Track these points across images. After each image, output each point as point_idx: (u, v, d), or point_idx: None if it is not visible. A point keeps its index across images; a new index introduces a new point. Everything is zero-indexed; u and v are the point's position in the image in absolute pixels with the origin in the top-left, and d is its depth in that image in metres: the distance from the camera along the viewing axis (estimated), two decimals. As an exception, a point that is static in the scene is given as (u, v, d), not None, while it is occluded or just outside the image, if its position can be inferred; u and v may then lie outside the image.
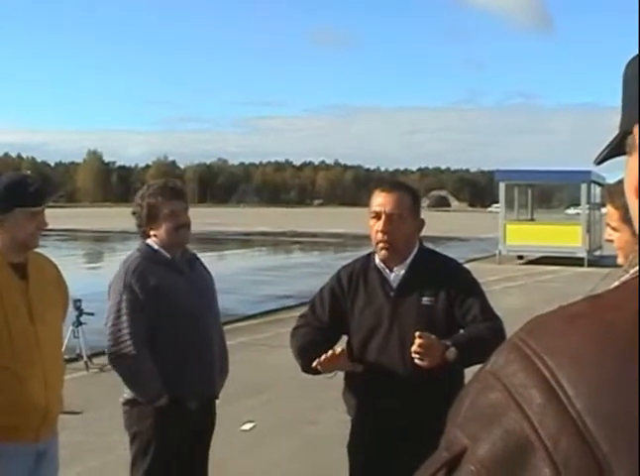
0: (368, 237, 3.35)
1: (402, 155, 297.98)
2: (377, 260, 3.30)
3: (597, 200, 25.19)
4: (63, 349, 4.06)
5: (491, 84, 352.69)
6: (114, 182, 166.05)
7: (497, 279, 17.27)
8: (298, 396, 7.49)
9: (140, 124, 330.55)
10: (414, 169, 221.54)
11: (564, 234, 23.22)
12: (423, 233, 3.38)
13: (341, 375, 3.44)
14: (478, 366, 0.76)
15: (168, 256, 3.70)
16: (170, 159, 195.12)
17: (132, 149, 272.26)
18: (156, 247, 3.70)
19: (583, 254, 22.43)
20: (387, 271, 3.28)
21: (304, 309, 3.56)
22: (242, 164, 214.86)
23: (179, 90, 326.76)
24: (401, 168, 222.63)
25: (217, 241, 36.68)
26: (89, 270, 21.75)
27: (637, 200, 0.75)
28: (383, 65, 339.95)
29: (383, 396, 3.19)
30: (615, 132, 0.81)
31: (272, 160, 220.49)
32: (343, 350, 3.16)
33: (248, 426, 6.71)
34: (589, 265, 21.57)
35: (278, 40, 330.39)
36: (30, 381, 3.09)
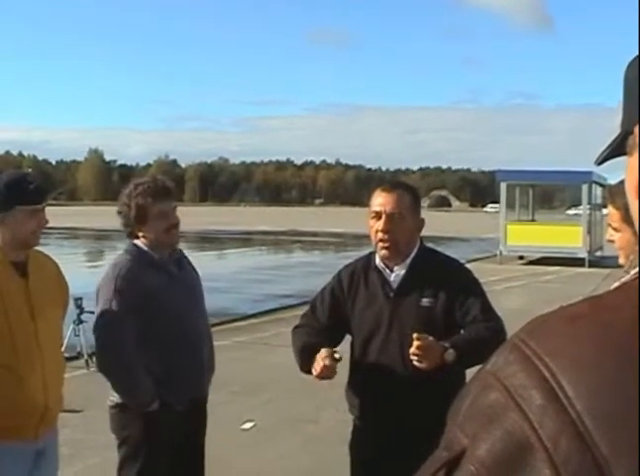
0: (368, 237, 3.35)
1: (403, 154, 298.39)
2: (378, 260, 3.30)
3: (599, 201, 25.17)
4: (64, 347, 4.06)
5: (492, 84, 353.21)
6: (115, 181, 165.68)
7: (498, 279, 17.26)
8: (299, 395, 7.49)
9: (141, 123, 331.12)
10: (415, 168, 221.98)
11: (565, 235, 23.21)
12: (423, 233, 3.38)
13: (343, 375, 3.44)
14: (479, 366, 0.76)
15: (157, 257, 3.60)
16: (171, 158, 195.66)
17: (133, 147, 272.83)
18: (145, 248, 3.59)
19: (583, 254, 22.42)
20: (388, 271, 3.28)
21: (305, 309, 3.56)
22: (243, 163, 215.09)
23: (180, 89, 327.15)
24: (402, 167, 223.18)
25: (218, 240, 36.69)
26: (90, 268, 21.75)
27: (637, 201, 0.75)
28: (384, 65, 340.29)
29: (384, 396, 3.19)
30: (616, 133, 0.81)
31: (274, 159, 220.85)
32: (333, 360, 3.09)
33: (248, 425, 6.71)
34: (590, 265, 21.55)
35: (279, 39, 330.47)
36: (29, 379, 3.09)
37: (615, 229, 2.76)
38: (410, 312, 3.19)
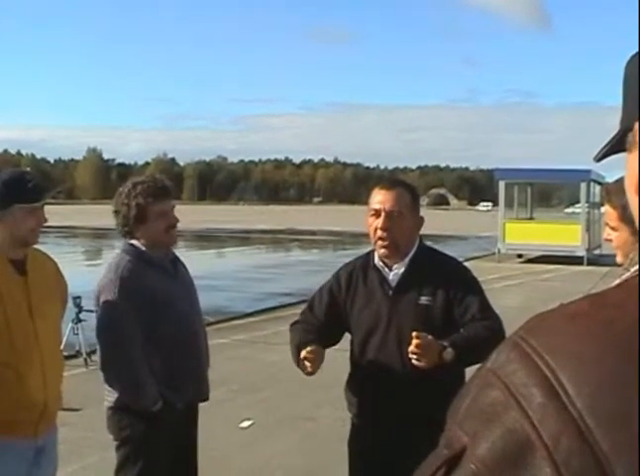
0: (366, 235, 3.35)
1: (402, 153, 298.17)
2: (377, 258, 3.29)
3: (597, 199, 25.18)
4: (63, 346, 4.05)
5: (490, 82, 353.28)
6: (113, 180, 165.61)
7: (497, 277, 17.27)
8: (297, 393, 7.49)
9: (139, 121, 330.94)
10: (414, 167, 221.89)
11: (563, 233, 23.22)
12: (422, 231, 3.38)
13: (341, 373, 3.44)
14: (477, 364, 0.76)
15: (155, 257, 3.58)
16: (170, 156, 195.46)
17: (131, 146, 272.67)
18: (143, 248, 3.56)
19: (582, 253, 22.44)
20: (387, 269, 3.28)
21: (303, 307, 3.56)
22: (241, 161, 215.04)
23: (178, 87, 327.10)
24: (401, 166, 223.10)
25: (216, 238, 36.68)
26: (89, 267, 21.74)
27: (637, 198, 0.75)
28: (382, 63, 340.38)
29: (382, 393, 3.19)
30: (614, 131, 0.81)
31: (272, 157, 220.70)
32: (317, 358, 3.10)
33: (246, 424, 6.72)
34: (589, 263, 21.58)
35: (278, 37, 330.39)
36: (28, 377, 3.09)
37: (613, 228, 2.76)
38: (409, 311, 3.19)
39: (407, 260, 3.27)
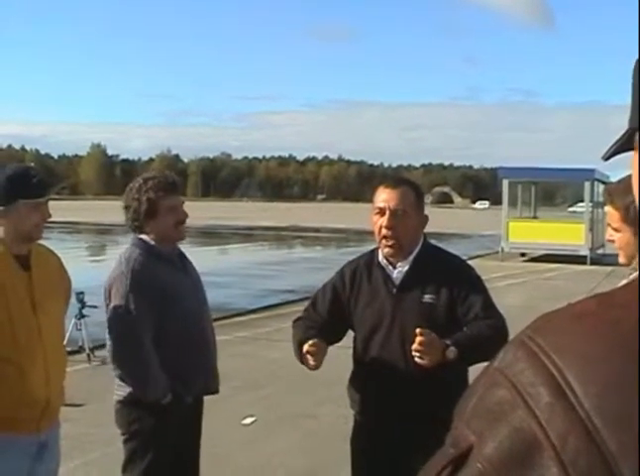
0: (370, 232, 3.35)
1: (406, 151, 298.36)
2: (381, 256, 3.29)
3: (601, 199, 25.13)
4: (66, 341, 4.06)
5: (492, 81, 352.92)
6: (117, 176, 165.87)
7: (500, 276, 17.26)
8: (299, 390, 7.50)
9: (141, 117, 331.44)
10: (417, 165, 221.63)
11: (567, 232, 23.22)
12: (426, 229, 3.38)
13: (343, 371, 3.44)
14: (480, 363, 0.75)
15: (164, 251, 3.61)
16: (174, 152, 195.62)
17: (135, 142, 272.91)
18: (152, 243, 3.60)
19: (585, 252, 22.43)
20: (391, 267, 3.28)
21: (306, 304, 3.56)
22: (245, 158, 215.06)
23: (182, 84, 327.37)
24: (405, 163, 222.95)
25: (220, 235, 36.72)
26: (92, 262, 21.77)
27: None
28: (384, 61, 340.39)
29: (385, 391, 3.19)
30: (617, 130, 0.81)
31: (276, 154, 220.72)
32: (319, 351, 3.10)
33: (249, 421, 6.72)
34: (592, 263, 21.57)
35: (281, 34, 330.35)
36: (31, 372, 3.09)
37: (615, 229, 2.76)
38: (412, 309, 3.19)
39: (411, 258, 3.27)
